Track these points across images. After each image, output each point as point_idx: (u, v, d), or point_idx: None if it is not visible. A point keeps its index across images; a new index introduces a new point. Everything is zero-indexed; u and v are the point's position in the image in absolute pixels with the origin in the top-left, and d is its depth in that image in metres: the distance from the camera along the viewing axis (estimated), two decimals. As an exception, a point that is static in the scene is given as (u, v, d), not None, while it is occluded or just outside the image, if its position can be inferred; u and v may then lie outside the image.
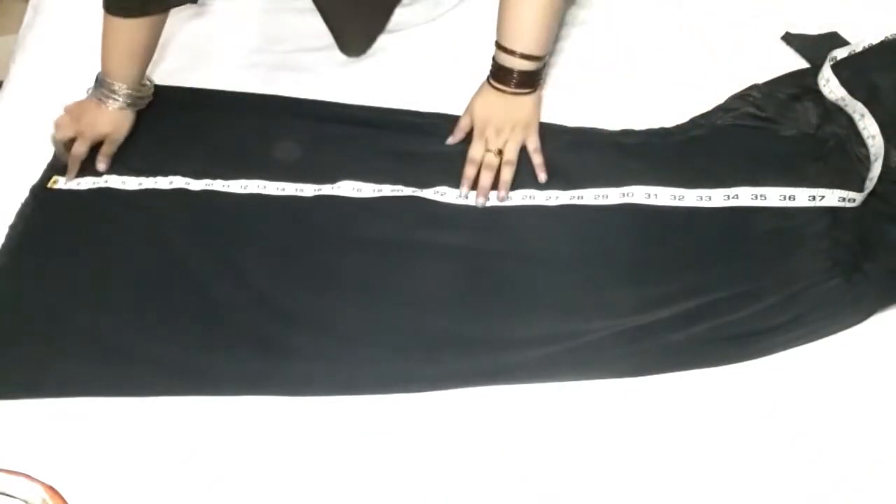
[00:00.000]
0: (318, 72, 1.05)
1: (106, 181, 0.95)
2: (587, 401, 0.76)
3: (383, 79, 1.04)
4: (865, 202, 0.85)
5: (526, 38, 0.90)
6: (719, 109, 0.96)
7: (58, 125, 0.96)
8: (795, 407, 0.74)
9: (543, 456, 0.73)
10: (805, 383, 0.76)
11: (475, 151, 0.93)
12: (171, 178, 0.94)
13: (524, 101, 0.94)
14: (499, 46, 0.92)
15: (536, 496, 0.70)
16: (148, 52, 0.96)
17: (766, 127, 0.94)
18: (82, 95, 1.03)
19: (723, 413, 0.74)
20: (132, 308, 0.84)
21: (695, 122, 0.96)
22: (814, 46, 1.00)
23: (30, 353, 0.81)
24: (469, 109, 0.96)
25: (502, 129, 0.93)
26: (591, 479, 0.71)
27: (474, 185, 0.91)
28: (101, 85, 0.95)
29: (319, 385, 0.78)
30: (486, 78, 0.95)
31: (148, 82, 1.00)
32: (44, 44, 1.12)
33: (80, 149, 0.95)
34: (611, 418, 0.75)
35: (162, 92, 1.03)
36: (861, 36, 0.96)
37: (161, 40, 0.97)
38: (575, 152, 0.94)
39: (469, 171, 0.92)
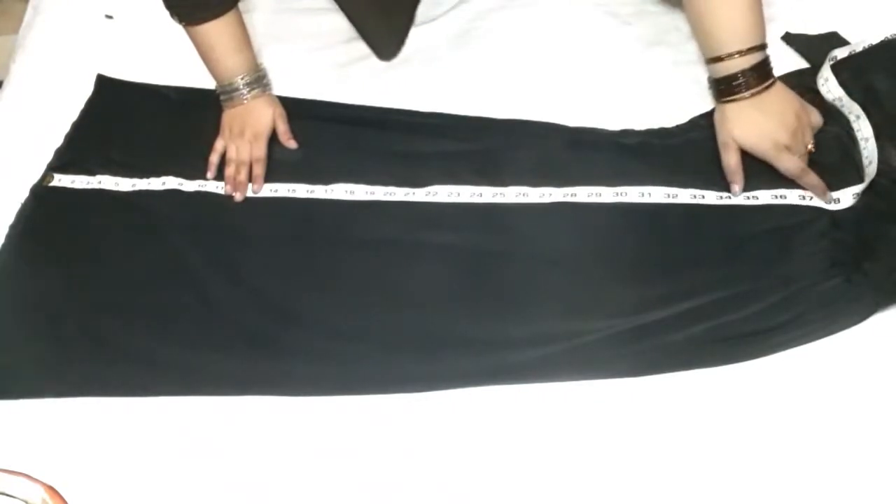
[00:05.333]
0: (318, 72, 1.04)
1: (100, 182, 0.94)
2: (587, 401, 0.76)
3: (382, 79, 1.04)
4: (866, 202, 0.85)
5: (741, 34, 0.83)
6: (720, 110, 0.96)
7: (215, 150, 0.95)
8: (795, 407, 0.74)
9: (544, 456, 0.73)
10: (805, 383, 0.75)
11: (787, 169, 0.84)
12: (163, 178, 0.94)
13: (780, 93, 0.85)
14: (713, 60, 0.85)
15: (537, 496, 0.70)
16: (246, 37, 0.96)
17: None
18: (82, 95, 1.03)
19: (723, 413, 0.74)
20: (131, 308, 0.84)
21: (695, 123, 0.95)
22: (814, 46, 0.99)
23: (30, 353, 0.81)
24: (729, 144, 0.86)
25: (794, 130, 0.84)
26: (592, 479, 0.71)
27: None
28: (223, 92, 0.96)
29: (318, 385, 0.78)
30: (714, 110, 0.88)
31: (261, 64, 0.99)
32: (44, 44, 1.12)
33: (241, 156, 0.93)
34: (611, 418, 0.75)
35: (155, 91, 1.02)
36: (861, 36, 0.96)
37: (164, 41, 0.96)
38: (574, 152, 0.93)
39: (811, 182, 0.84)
